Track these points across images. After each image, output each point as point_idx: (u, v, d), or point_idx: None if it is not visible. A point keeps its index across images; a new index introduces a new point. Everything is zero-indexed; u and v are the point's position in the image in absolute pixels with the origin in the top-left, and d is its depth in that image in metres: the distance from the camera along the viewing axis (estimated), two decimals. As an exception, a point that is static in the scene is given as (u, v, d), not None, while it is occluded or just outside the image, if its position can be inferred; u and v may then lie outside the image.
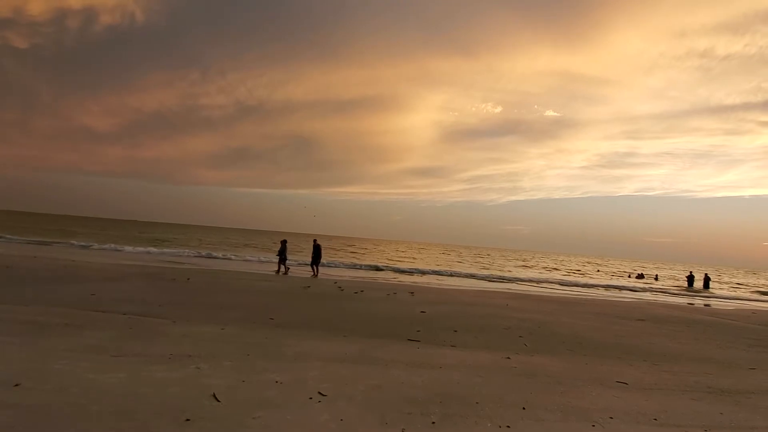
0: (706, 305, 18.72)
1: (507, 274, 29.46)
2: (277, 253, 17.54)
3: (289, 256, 17.55)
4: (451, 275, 25.34)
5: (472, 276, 25.93)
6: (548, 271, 38.31)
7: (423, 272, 25.49)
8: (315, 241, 17.65)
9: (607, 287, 25.54)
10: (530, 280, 26.18)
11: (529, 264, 50.71)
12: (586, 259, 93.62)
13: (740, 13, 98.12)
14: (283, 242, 17.57)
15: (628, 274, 40.60)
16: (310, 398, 3.75)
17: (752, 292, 31.28)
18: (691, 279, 30.03)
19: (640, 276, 37.02)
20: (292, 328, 6.80)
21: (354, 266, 25.96)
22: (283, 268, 17.01)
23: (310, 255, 17.47)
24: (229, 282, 12.11)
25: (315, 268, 17.22)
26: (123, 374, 4.03)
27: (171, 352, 4.86)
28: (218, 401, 3.53)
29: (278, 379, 4.19)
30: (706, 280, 29.94)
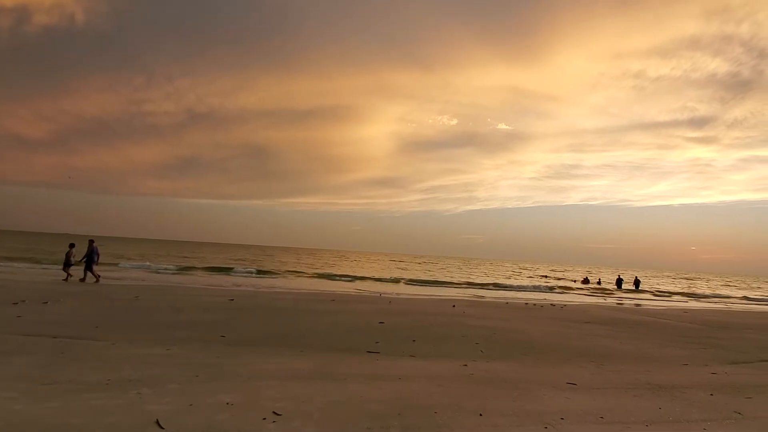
0: (637, 305, 20.12)
1: (465, 282, 30.14)
2: (80, 259, 15.41)
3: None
4: (415, 286, 25.54)
5: (434, 284, 26.29)
6: (503, 278, 39.63)
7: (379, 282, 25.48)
8: (91, 242, 15.46)
9: (556, 292, 26.81)
10: (485, 288, 26.94)
11: (485, 272, 52.22)
12: (537, 266, 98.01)
13: (667, 39, 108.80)
14: (71, 246, 15.67)
15: (573, 280, 42.87)
16: (264, 419, 3.59)
17: (680, 294, 34.05)
18: (619, 282, 33.46)
19: (586, 281, 39.21)
20: (245, 346, 6.51)
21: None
22: (83, 274, 15.26)
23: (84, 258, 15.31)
24: (176, 298, 11.45)
25: (88, 272, 15.25)
26: (55, 404, 3.66)
27: (109, 377, 4.48)
28: (162, 428, 3.28)
29: (229, 400, 3.98)
30: (636, 282, 32.88)
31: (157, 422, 3.38)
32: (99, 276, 15.36)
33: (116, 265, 25.93)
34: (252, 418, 3.60)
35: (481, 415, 3.98)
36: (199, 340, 6.73)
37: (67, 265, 15.32)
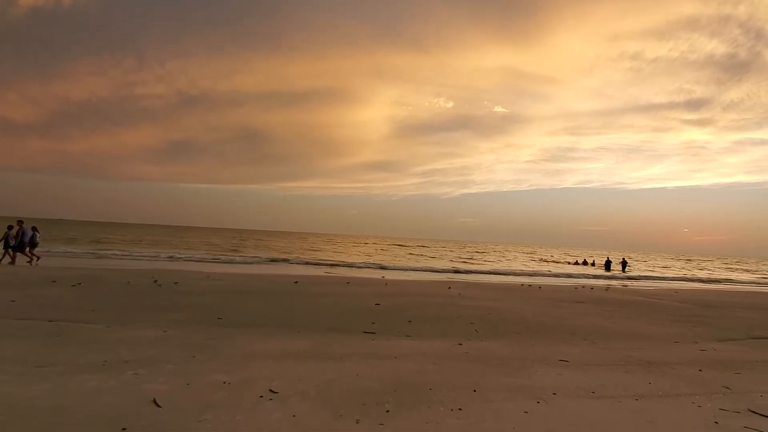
0: (628, 286, 20.40)
1: (461, 266, 30.37)
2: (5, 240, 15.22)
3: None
4: (411, 269, 25.69)
5: (430, 267, 26.46)
6: (499, 261, 39.97)
7: (381, 267, 25.62)
8: (20, 223, 15.31)
9: (551, 273, 27.09)
10: (481, 271, 27.17)
11: (481, 255, 52.58)
12: (533, 248, 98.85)
13: (664, 20, 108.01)
14: (9, 228, 15.29)
15: (567, 262, 43.36)
16: (261, 397, 3.62)
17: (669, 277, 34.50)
18: (608, 264, 33.81)
19: (583, 263, 39.71)
20: (242, 327, 6.54)
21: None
22: (8, 257, 15.08)
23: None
24: (172, 282, 11.44)
25: (17, 254, 15.11)
26: (49, 386, 3.66)
27: (105, 359, 4.49)
28: (159, 407, 3.31)
29: (226, 379, 4.01)
30: (624, 264, 33.19)
31: (155, 401, 3.40)
32: (35, 258, 15.31)
33: (109, 249, 25.86)
34: (249, 396, 3.63)
35: (474, 391, 4.04)
36: (196, 322, 6.75)
37: (6, 247, 15.20)
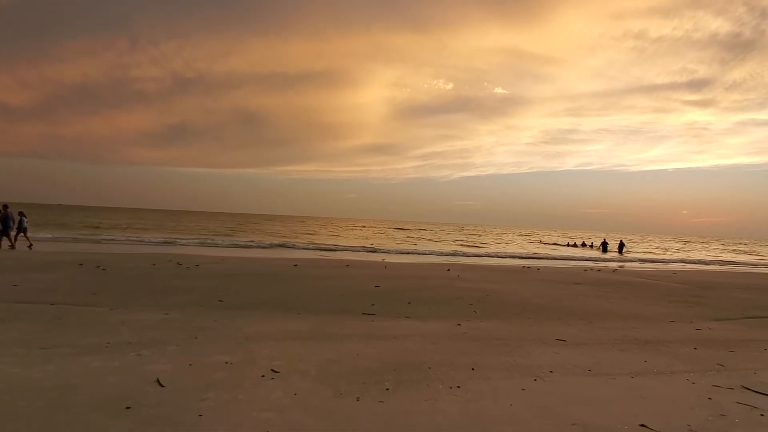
0: (625, 267, 20.56)
1: (461, 248, 30.52)
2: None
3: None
4: (410, 252, 25.80)
5: (428, 250, 26.60)
6: (498, 243, 40.14)
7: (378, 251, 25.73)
8: (5, 207, 15.16)
9: (549, 256, 27.26)
10: (480, 253, 27.31)
11: (480, 237, 52.77)
12: (532, 231, 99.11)
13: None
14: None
15: (567, 243, 43.60)
16: (263, 376, 3.68)
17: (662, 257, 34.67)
18: (605, 245, 33.52)
19: (583, 245, 39.96)
20: (243, 309, 6.60)
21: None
22: (7, 242, 15.13)
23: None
24: (172, 266, 11.50)
25: (7, 239, 15.14)
26: (53, 367, 3.71)
27: (108, 340, 4.54)
28: (162, 386, 3.36)
29: (228, 360, 4.06)
30: (621, 246, 33.32)
31: (158, 381, 3.45)
32: (13, 243, 15.31)
33: (108, 235, 25.90)
34: (251, 375, 3.68)
35: (473, 369, 4.11)
36: (197, 304, 6.81)
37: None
